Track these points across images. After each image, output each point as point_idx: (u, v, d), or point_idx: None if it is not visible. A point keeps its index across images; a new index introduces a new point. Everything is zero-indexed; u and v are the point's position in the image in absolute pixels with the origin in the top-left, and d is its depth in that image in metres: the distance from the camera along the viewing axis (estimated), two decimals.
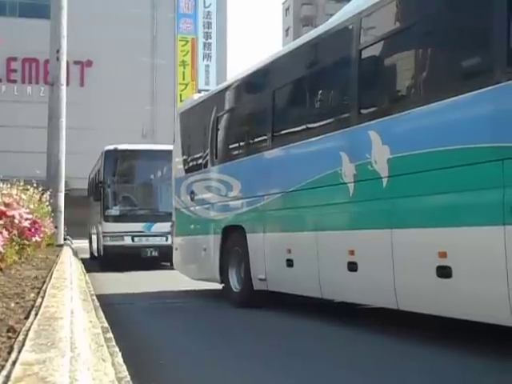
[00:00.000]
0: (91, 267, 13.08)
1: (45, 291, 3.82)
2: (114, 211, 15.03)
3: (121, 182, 15.77)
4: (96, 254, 16.67)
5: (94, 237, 17.28)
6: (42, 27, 22.07)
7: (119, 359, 2.48)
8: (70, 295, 3.71)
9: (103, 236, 14.90)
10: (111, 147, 15.50)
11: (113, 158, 15.44)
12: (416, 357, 4.57)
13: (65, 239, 15.60)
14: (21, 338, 2.21)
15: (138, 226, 14.67)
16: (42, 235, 8.54)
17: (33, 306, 3.18)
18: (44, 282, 4.59)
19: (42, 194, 10.23)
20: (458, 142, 4.55)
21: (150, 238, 14.71)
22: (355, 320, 6.43)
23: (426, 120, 4.99)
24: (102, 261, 15.21)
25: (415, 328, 5.62)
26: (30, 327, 2.39)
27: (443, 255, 4.59)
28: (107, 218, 14.96)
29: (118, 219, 14.89)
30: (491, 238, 4.20)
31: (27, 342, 2.05)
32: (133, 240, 14.75)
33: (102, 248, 15.10)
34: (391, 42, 5.67)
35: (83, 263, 10.57)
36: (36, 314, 2.79)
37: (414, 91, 5.30)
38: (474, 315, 4.50)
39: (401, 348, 4.91)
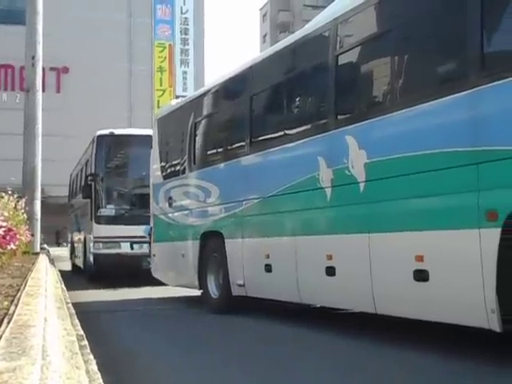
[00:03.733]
0: (75, 283, 11.16)
1: (19, 299, 3.76)
2: (108, 211, 12.24)
3: (116, 174, 13.09)
4: (82, 266, 13.90)
5: (79, 245, 14.53)
6: (17, 33, 21.90)
7: (93, 367, 2.44)
8: (45, 303, 3.66)
9: (94, 242, 12.12)
10: (105, 132, 12.72)
11: (107, 144, 12.62)
12: (395, 360, 4.57)
13: (41, 248, 15.16)
14: None
15: (137, 230, 11.26)
16: (17, 243, 8.42)
17: (6, 314, 3.13)
18: (18, 290, 4.52)
19: (18, 202, 10.09)
20: (434, 147, 4.58)
21: None
22: (334, 325, 6.43)
23: (401, 125, 5.03)
24: (92, 274, 12.50)
25: (394, 331, 5.63)
26: (1, 335, 2.35)
27: (420, 259, 4.62)
28: (99, 220, 12.13)
29: (112, 221, 12.11)
30: (467, 241, 4.23)
31: None
32: (132, 247, 12.02)
33: (91, 258, 12.29)
34: (367, 47, 5.71)
35: (63, 278, 9.18)
36: (8, 322, 2.74)
37: (390, 96, 5.33)
38: (451, 318, 4.53)
39: (379, 351, 4.91)
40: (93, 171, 12.52)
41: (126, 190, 12.96)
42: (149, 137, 10.63)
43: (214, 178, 8.10)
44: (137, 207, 12.26)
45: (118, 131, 13.00)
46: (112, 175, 12.90)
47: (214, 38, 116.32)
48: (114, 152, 13.04)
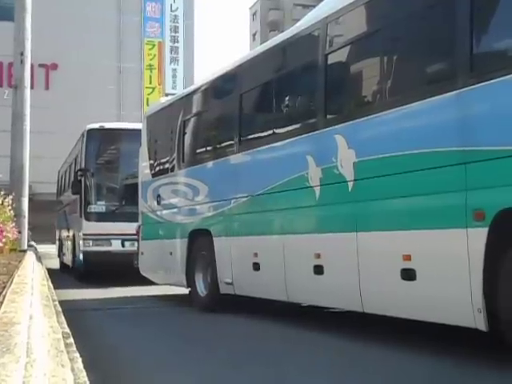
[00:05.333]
0: (63, 281, 11.11)
1: (4, 296, 3.73)
2: (99, 207, 11.96)
3: (107, 169, 12.83)
4: (70, 264, 13.62)
5: (68, 243, 14.21)
6: (5, 29, 21.74)
7: (79, 365, 2.43)
8: (30, 300, 3.63)
9: (83, 240, 11.80)
10: (95, 125, 12.47)
11: (97, 139, 12.36)
12: (387, 359, 4.57)
13: (29, 245, 15.00)
14: None
15: (129, 227, 10.57)
16: (3, 240, 8.38)
17: None
18: (4, 288, 4.48)
19: (4, 198, 10.03)
20: (422, 147, 4.60)
21: None
22: (324, 323, 6.44)
23: (390, 124, 5.03)
24: (81, 272, 12.26)
25: (384, 332, 5.64)
26: None
27: (407, 258, 4.63)
28: (89, 216, 11.85)
29: (103, 217, 11.83)
30: (454, 240, 4.24)
31: None
32: (123, 245, 11.67)
33: (80, 255, 11.99)
34: (357, 47, 5.72)
35: (51, 276, 9.18)
36: None
37: (380, 96, 5.34)
38: (437, 317, 4.54)
39: (374, 350, 4.91)
40: (83, 166, 12.23)
41: (117, 185, 12.62)
42: (140, 131, 10.19)
43: (203, 176, 8.08)
44: (128, 203, 11.58)
45: (108, 125, 12.77)
46: (102, 170, 12.61)
47: (204, 35, 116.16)
48: (104, 146, 12.75)
